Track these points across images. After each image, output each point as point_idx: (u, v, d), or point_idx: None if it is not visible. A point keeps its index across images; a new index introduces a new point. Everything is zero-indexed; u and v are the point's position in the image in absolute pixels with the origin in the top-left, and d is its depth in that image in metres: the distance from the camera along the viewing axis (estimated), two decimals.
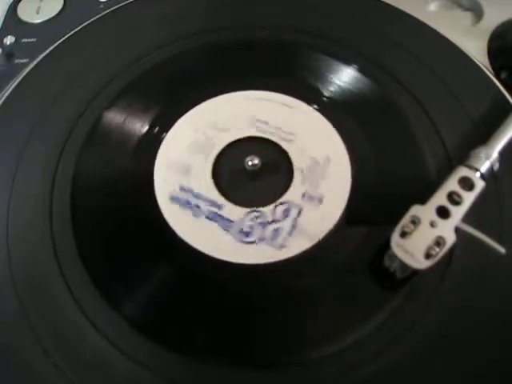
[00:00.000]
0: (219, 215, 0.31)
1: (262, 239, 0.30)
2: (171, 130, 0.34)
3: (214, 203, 0.31)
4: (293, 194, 0.32)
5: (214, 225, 0.31)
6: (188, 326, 0.28)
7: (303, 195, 0.31)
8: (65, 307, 0.28)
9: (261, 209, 0.31)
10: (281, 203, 0.31)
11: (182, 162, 0.33)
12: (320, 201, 0.31)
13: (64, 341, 0.28)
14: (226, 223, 0.31)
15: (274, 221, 0.31)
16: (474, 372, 0.27)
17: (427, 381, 0.27)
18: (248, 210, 0.31)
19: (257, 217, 0.31)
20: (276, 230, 0.30)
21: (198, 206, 0.31)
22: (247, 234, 0.30)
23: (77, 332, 0.28)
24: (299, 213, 0.31)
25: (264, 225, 0.31)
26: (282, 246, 0.30)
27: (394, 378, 0.27)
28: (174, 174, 0.33)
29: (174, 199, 0.32)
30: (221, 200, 0.31)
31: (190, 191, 0.32)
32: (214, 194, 0.32)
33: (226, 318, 0.28)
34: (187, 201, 0.32)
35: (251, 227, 0.30)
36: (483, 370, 0.27)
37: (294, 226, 0.30)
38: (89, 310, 0.28)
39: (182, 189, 0.32)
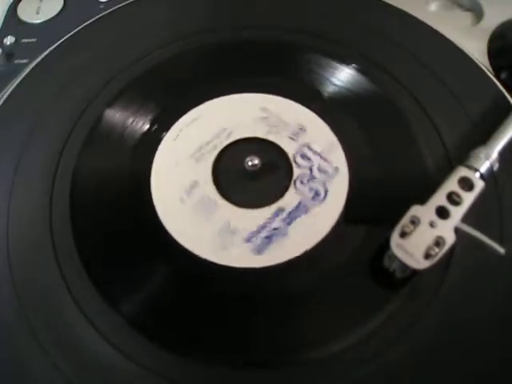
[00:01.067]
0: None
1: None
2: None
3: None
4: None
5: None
6: (188, 326, 0.28)
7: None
8: (65, 307, 0.28)
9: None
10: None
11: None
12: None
13: (64, 341, 0.28)
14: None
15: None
16: (474, 372, 0.27)
17: (427, 381, 0.27)
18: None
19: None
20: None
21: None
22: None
23: (77, 332, 0.28)
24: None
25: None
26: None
27: (394, 378, 0.27)
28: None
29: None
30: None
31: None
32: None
33: (225, 319, 0.28)
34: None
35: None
36: (483, 370, 0.27)
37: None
38: (89, 310, 0.28)
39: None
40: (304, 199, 0.31)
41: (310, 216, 0.31)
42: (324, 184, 0.32)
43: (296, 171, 0.32)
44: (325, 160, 0.33)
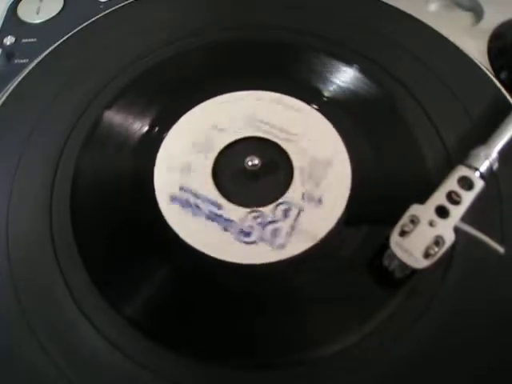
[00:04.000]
0: (219, 215, 0.31)
1: (261, 239, 0.30)
2: (171, 129, 0.34)
3: (213, 203, 0.31)
4: (293, 194, 0.32)
5: (213, 225, 0.31)
6: (188, 325, 0.28)
7: (303, 195, 0.31)
8: (65, 307, 0.28)
9: (261, 209, 0.31)
10: (281, 203, 0.31)
11: (182, 161, 0.33)
12: (320, 201, 0.31)
13: (64, 341, 0.28)
14: (225, 223, 0.31)
15: (273, 221, 0.31)
16: (474, 372, 0.27)
17: (427, 381, 0.27)
18: (248, 210, 0.31)
19: (257, 217, 0.31)
20: (276, 230, 0.30)
21: (197, 206, 0.31)
22: (247, 234, 0.30)
23: (77, 332, 0.28)
24: (299, 213, 0.31)
25: (264, 225, 0.31)
26: (281, 246, 0.30)
27: (394, 378, 0.27)
28: (174, 173, 0.33)
29: (174, 199, 0.32)
30: (221, 200, 0.31)
31: (190, 191, 0.32)
32: (214, 194, 0.32)
33: (225, 318, 0.28)
34: (187, 201, 0.32)
35: (251, 227, 0.30)
36: (483, 370, 0.27)
37: (293, 226, 0.30)
38: (89, 310, 0.28)
39: (182, 189, 0.32)
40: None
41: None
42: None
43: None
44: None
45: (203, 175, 0.32)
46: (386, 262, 0.28)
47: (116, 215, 0.32)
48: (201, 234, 0.30)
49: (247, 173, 0.32)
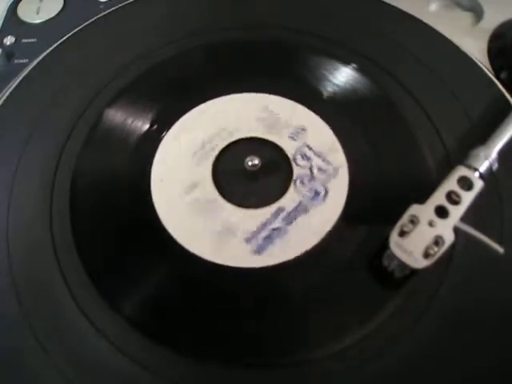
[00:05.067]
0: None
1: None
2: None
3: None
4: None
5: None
6: (188, 326, 0.28)
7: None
8: (65, 307, 0.28)
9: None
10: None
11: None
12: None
13: (64, 341, 0.28)
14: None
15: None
16: (474, 372, 0.27)
17: (427, 381, 0.27)
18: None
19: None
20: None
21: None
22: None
23: (77, 332, 0.28)
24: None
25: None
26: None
27: (394, 378, 0.27)
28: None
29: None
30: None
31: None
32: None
33: (225, 319, 0.28)
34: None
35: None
36: (483, 370, 0.27)
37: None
38: (89, 309, 0.28)
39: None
40: (304, 199, 0.31)
41: (310, 216, 0.31)
42: (324, 184, 0.32)
43: (296, 171, 0.32)
44: (325, 160, 0.33)
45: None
46: (385, 262, 0.28)
47: (116, 215, 0.32)
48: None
49: (247, 173, 0.32)
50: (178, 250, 0.30)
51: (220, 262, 0.29)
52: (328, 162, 0.33)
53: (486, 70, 0.36)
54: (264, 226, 0.30)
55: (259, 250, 0.30)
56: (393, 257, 0.27)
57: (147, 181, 0.32)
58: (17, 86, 0.36)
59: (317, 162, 0.33)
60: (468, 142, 0.31)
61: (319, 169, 0.32)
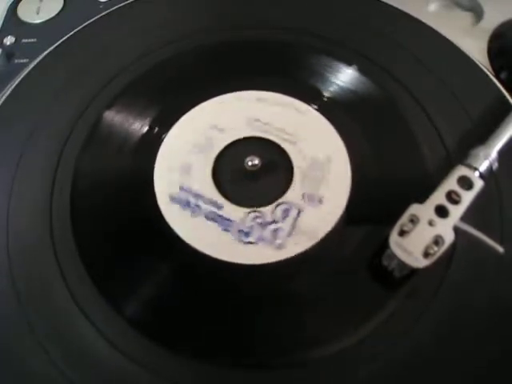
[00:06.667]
0: (219, 215, 0.31)
1: (261, 239, 0.30)
2: (171, 130, 0.34)
3: (213, 203, 0.31)
4: (293, 194, 0.32)
5: (213, 225, 0.31)
6: (188, 325, 0.28)
7: (303, 195, 0.31)
8: (65, 307, 0.28)
9: (261, 209, 0.31)
10: (281, 203, 0.31)
11: (182, 161, 0.33)
12: (320, 201, 0.31)
13: (64, 341, 0.28)
14: (225, 223, 0.31)
15: (273, 221, 0.31)
16: (474, 372, 0.27)
17: (427, 381, 0.27)
18: (248, 210, 0.31)
19: (256, 217, 0.31)
20: (276, 230, 0.30)
21: (197, 206, 0.31)
22: (247, 234, 0.30)
23: (77, 332, 0.28)
24: (299, 213, 0.31)
25: (264, 225, 0.31)
26: (281, 246, 0.30)
27: (394, 378, 0.27)
28: (174, 174, 0.33)
29: (173, 199, 0.32)
30: (221, 200, 0.31)
31: (189, 191, 0.32)
32: (214, 194, 0.32)
33: (225, 318, 0.28)
34: (187, 201, 0.32)
35: (251, 227, 0.30)
36: (483, 370, 0.27)
37: (293, 226, 0.30)
38: (89, 309, 0.28)
39: (182, 189, 0.32)
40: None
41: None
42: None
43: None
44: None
45: (203, 175, 0.32)
46: (385, 262, 0.28)
47: (116, 215, 0.32)
48: (201, 234, 0.30)
49: (247, 173, 0.32)
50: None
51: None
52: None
53: (486, 70, 0.36)
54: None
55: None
56: (393, 256, 0.27)
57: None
58: (17, 86, 0.36)
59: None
60: (468, 142, 0.31)
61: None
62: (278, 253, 0.30)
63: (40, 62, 0.38)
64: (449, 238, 0.27)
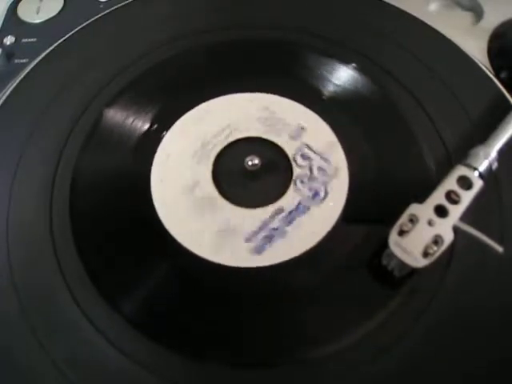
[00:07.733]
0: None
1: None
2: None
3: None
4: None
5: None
6: (188, 325, 0.28)
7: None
8: (65, 307, 0.28)
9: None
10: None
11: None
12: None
13: (64, 341, 0.28)
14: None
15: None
16: (474, 372, 0.27)
17: (427, 381, 0.27)
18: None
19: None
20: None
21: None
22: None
23: (77, 332, 0.28)
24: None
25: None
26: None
27: (394, 378, 0.27)
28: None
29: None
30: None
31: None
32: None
33: (225, 318, 0.28)
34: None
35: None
36: (483, 370, 0.27)
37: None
38: (89, 309, 0.28)
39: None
40: (304, 199, 0.31)
41: (310, 216, 0.31)
42: (324, 184, 0.32)
43: (296, 171, 0.32)
44: (325, 160, 0.33)
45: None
46: (384, 262, 0.28)
47: (116, 215, 0.32)
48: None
49: (247, 173, 0.32)
50: (178, 250, 0.30)
51: (220, 262, 0.29)
52: (328, 162, 0.33)
53: (486, 69, 0.36)
54: (264, 225, 0.30)
55: (259, 250, 0.30)
56: (392, 256, 0.27)
57: (147, 180, 0.32)
58: (17, 86, 0.36)
59: (317, 161, 0.33)
60: (468, 142, 0.31)
61: (319, 169, 0.32)
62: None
63: (40, 61, 0.38)
64: (448, 237, 0.27)
